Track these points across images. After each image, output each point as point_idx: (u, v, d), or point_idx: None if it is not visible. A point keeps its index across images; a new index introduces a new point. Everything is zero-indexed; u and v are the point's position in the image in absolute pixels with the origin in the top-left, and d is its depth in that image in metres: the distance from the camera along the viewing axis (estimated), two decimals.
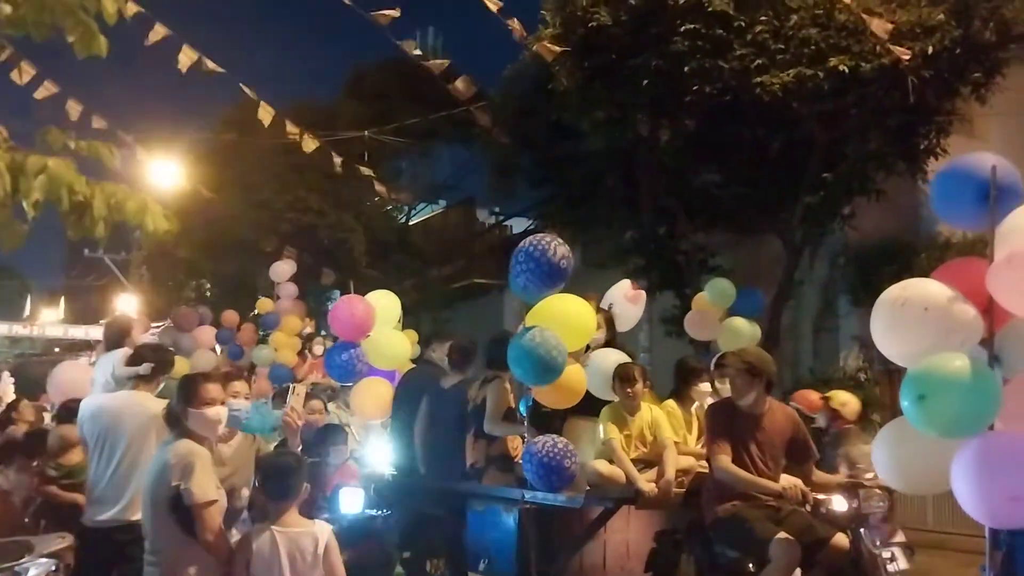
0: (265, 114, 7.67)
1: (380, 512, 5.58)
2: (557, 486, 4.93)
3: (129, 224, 2.99)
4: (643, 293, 6.96)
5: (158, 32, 6.20)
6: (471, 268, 21.03)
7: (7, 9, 2.76)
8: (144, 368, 4.86)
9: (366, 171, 8.44)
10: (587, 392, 5.51)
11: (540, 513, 5.15)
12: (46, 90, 6.23)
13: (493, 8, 5.69)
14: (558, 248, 4.93)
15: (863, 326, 12.00)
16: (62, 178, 2.65)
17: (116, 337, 5.80)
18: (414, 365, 7.50)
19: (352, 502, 5.56)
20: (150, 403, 4.71)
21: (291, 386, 5.83)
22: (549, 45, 6.54)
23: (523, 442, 5.54)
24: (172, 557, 3.76)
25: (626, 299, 6.87)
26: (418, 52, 6.56)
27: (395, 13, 6.07)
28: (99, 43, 2.89)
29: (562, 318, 5.14)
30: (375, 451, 8.34)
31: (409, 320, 13.52)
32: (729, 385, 5.05)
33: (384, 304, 6.95)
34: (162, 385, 5.12)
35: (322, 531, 3.84)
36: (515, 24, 5.92)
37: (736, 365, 4.95)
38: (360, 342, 6.65)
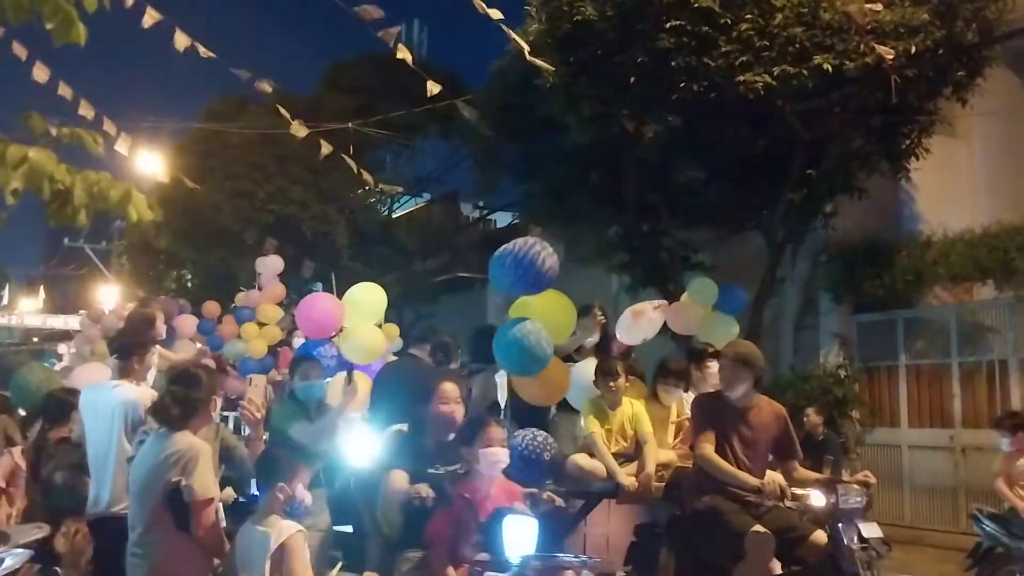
0: (265, 87, 7.63)
1: (573, 558, 3.85)
2: (537, 478, 4.91)
3: (112, 214, 2.94)
4: (650, 315, 6.83)
5: (151, 16, 6.13)
6: (455, 262, 21.01)
7: None
8: (111, 362, 4.79)
9: (351, 162, 8.40)
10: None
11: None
12: (42, 71, 6.13)
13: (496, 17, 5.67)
14: (547, 258, 4.95)
15: (844, 324, 12.10)
16: (43, 169, 2.59)
17: (139, 329, 5.70)
18: (396, 358, 7.48)
19: (522, 537, 3.75)
20: (120, 392, 4.62)
21: (249, 377, 5.75)
22: (542, 63, 6.57)
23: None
24: (163, 552, 3.68)
25: (632, 315, 6.80)
26: (394, 45, 6.51)
27: (379, 13, 6.06)
28: (77, 31, 2.82)
29: (543, 312, 5.17)
30: (357, 444, 8.32)
31: (392, 314, 13.48)
32: (719, 376, 5.03)
33: (368, 297, 6.87)
34: (151, 371, 5.07)
35: (280, 532, 3.56)
36: (513, 37, 5.94)
37: (729, 355, 4.95)
38: (330, 339, 6.54)
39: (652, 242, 12.36)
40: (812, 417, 10.03)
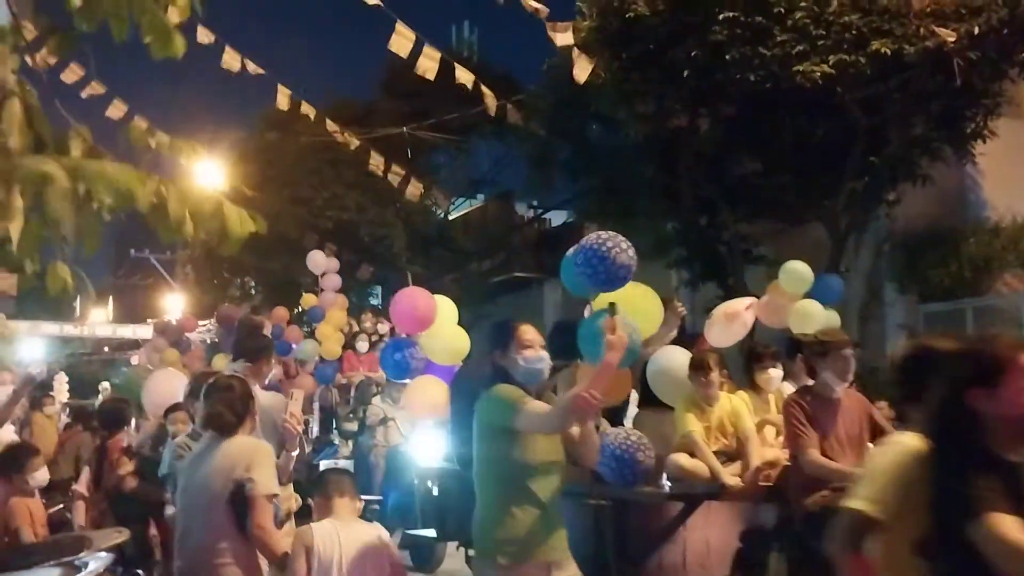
0: (308, 110, 7.85)
1: None
2: (630, 480, 4.66)
3: (207, 228, 2.89)
4: (744, 318, 6.46)
5: (203, 35, 6.31)
6: (511, 262, 21.06)
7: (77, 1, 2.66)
8: (239, 365, 4.93)
9: (398, 171, 8.52)
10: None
11: (617, 509, 4.79)
12: (92, 89, 6.34)
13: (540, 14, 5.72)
14: (620, 254, 4.59)
15: (910, 314, 11.83)
16: (124, 183, 2.59)
17: (258, 333, 5.88)
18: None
19: None
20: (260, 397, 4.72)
21: (291, 392, 5.75)
22: (586, 61, 6.55)
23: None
24: (225, 558, 3.69)
25: (725, 317, 6.48)
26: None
27: (410, 38, 6.17)
28: (175, 44, 2.81)
29: (630, 306, 4.75)
30: (423, 445, 8.37)
31: None
32: (835, 368, 4.66)
33: (442, 305, 6.73)
34: (271, 374, 5.18)
35: (383, 531, 3.86)
36: (557, 33, 5.96)
37: (849, 344, 4.72)
38: (416, 338, 6.46)
39: (710, 236, 12.24)
40: (884, 411, 9.81)
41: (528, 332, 3.76)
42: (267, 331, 6.48)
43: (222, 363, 9.92)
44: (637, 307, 4.86)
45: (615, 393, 4.97)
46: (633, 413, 5.74)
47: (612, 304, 3.68)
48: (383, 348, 6.99)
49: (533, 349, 3.72)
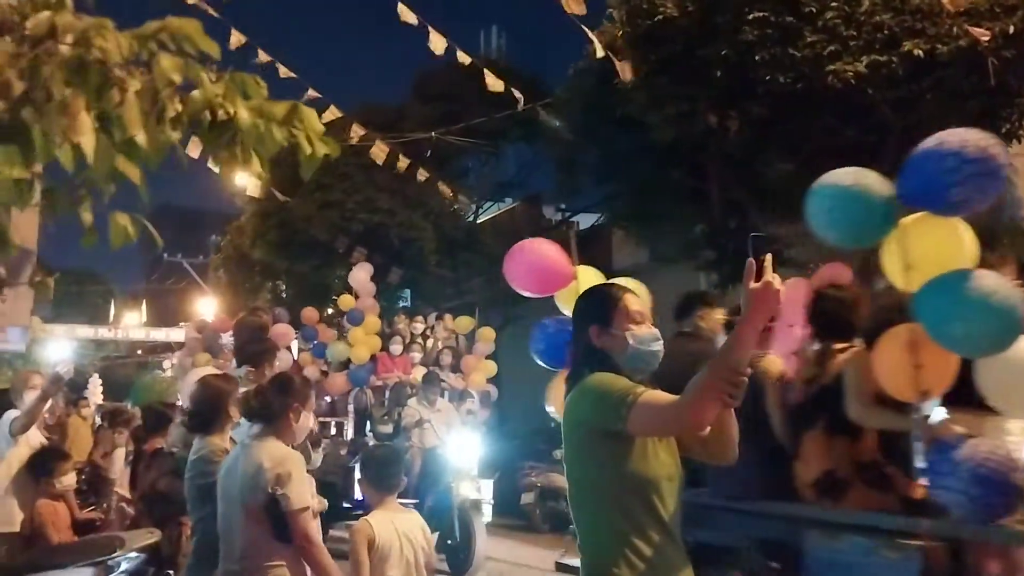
0: (331, 115, 7.90)
1: None
2: (1001, 512, 3.38)
3: (283, 146, 2.46)
4: None
5: (236, 38, 6.40)
6: None
7: None
8: (243, 371, 5.00)
9: (424, 175, 8.54)
10: (964, 376, 3.82)
11: (956, 555, 3.48)
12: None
13: (577, 11, 5.75)
14: (997, 146, 3.63)
15: None
16: (172, 72, 2.19)
17: (259, 336, 5.94)
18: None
19: None
20: None
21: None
22: (626, 66, 6.60)
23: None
24: (264, 565, 3.68)
25: None
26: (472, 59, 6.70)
27: (441, 45, 6.23)
28: None
29: (936, 249, 3.66)
30: (458, 449, 8.36)
31: (480, 317, 13.61)
32: None
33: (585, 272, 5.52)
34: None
35: (419, 517, 4.14)
36: (594, 42, 6.00)
37: None
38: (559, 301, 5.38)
39: (740, 239, 12.15)
40: None
41: (635, 302, 2.81)
42: (270, 329, 6.40)
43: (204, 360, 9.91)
44: (941, 251, 3.72)
45: (939, 381, 3.72)
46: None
47: (755, 235, 2.61)
48: (536, 328, 5.73)
49: (645, 325, 2.77)
